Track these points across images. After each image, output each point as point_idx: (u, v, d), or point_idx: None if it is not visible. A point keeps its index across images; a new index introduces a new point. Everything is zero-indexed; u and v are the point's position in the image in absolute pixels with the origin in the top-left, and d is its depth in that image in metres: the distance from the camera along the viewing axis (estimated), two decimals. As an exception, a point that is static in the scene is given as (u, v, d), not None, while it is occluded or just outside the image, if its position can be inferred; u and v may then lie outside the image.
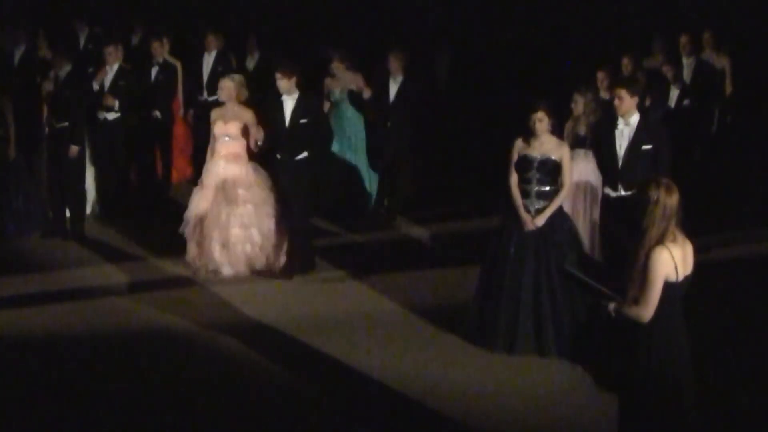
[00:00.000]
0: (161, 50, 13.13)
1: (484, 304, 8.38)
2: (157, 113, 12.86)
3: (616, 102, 8.56)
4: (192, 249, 10.07)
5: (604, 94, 10.88)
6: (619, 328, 5.70)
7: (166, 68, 13.11)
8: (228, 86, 10.19)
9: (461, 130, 14.94)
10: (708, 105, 12.67)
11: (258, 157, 10.23)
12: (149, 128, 12.92)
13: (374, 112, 12.31)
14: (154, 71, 13.01)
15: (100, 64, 12.48)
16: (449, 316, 8.92)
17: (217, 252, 9.97)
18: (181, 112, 13.72)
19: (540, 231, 8.23)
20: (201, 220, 10.07)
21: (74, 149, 11.19)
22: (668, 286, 5.48)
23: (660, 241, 5.47)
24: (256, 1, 18.12)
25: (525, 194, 8.33)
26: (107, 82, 12.17)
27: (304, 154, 9.95)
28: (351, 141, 12.44)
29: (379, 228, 11.81)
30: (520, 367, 8.00)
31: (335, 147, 12.06)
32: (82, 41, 15.52)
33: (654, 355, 5.56)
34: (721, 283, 9.59)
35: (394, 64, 11.95)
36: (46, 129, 11.40)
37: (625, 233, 7.90)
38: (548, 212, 8.25)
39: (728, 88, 13.53)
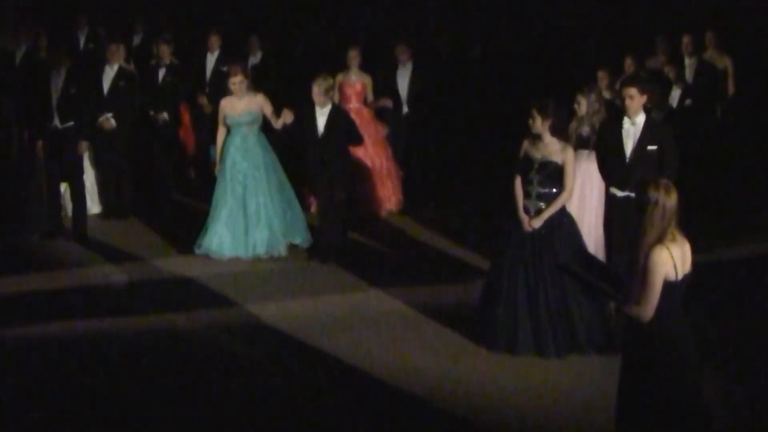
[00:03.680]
0: (168, 52, 13.13)
1: (487, 303, 8.39)
2: (165, 115, 12.88)
3: (628, 101, 8.52)
4: None
5: (605, 94, 10.88)
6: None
7: (173, 70, 13.10)
8: None
9: (462, 130, 14.91)
10: (710, 105, 12.68)
11: None
12: (153, 128, 12.95)
13: (300, 145, 10.64)
14: (161, 73, 13.00)
15: (102, 62, 12.47)
16: (451, 316, 8.92)
17: None
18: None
19: (539, 232, 8.22)
20: None
21: (83, 144, 11.22)
22: (668, 285, 5.48)
23: (659, 241, 5.48)
24: (257, 1, 18.13)
25: (527, 195, 8.32)
26: (107, 83, 12.15)
27: None
28: (257, 176, 10.57)
29: (379, 228, 11.80)
30: (520, 367, 7.99)
31: (229, 186, 10.48)
32: (82, 41, 15.54)
33: (654, 354, 5.56)
34: (721, 283, 9.59)
35: (320, 94, 10.35)
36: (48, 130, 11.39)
37: (631, 233, 7.92)
38: (546, 215, 8.22)
39: (730, 89, 13.54)
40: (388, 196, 12.45)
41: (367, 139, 11.78)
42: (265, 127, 10.75)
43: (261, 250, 10.53)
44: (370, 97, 12.58)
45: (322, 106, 10.39)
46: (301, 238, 10.75)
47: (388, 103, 12.85)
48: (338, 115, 10.52)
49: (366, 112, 12.40)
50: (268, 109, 10.57)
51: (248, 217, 10.48)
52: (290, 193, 10.80)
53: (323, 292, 9.77)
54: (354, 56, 12.47)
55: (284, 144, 11.07)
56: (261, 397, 7.52)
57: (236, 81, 10.51)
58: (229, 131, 10.62)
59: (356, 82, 12.44)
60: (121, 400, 7.46)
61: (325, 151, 10.37)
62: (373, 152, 12.26)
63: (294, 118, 10.49)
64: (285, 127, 10.53)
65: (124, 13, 17.01)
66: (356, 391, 7.65)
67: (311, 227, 10.82)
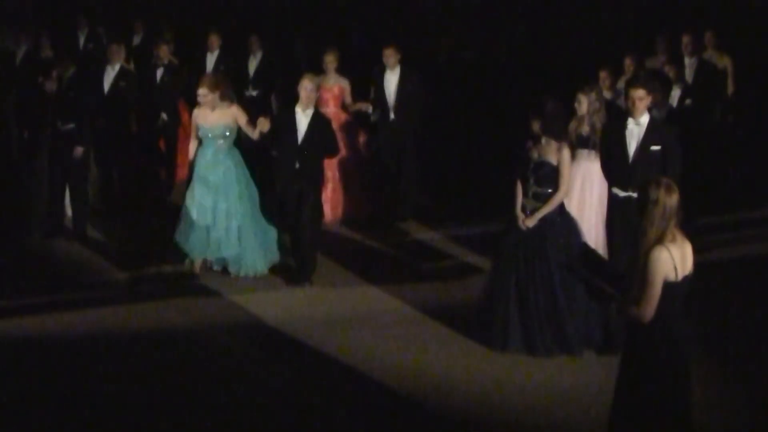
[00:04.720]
0: (168, 52, 13.11)
1: (485, 303, 8.44)
2: (164, 115, 12.87)
3: (636, 103, 8.50)
4: None
5: (606, 94, 10.88)
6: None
7: (172, 70, 13.09)
8: None
9: (461, 130, 14.90)
10: (710, 105, 12.66)
11: None
12: (153, 128, 12.95)
13: (278, 150, 10.07)
14: (159, 72, 12.98)
15: (102, 62, 12.47)
16: (451, 315, 8.93)
17: None
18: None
19: (534, 231, 8.27)
20: None
21: (79, 150, 11.20)
22: (667, 286, 5.47)
23: (659, 241, 5.46)
24: (257, 1, 18.14)
25: (525, 194, 8.39)
26: (108, 83, 12.15)
27: None
28: (228, 191, 9.99)
29: (377, 231, 11.78)
30: (519, 366, 8.00)
31: (196, 203, 9.97)
32: (81, 40, 15.54)
33: (654, 355, 5.55)
34: (721, 283, 9.59)
35: (312, 90, 9.88)
36: (49, 130, 11.38)
37: (632, 234, 7.92)
38: (539, 214, 8.27)
39: (730, 88, 13.54)
40: (355, 203, 12.11)
41: (343, 144, 11.49)
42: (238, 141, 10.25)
43: (232, 269, 10.07)
44: (348, 100, 12.21)
45: (306, 107, 9.85)
46: (272, 254, 10.21)
47: (366, 107, 12.57)
48: (320, 121, 9.96)
49: (344, 117, 12.14)
50: (243, 120, 9.97)
51: (217, 233, 9.95)
52: (257, 208, 10.13)
53: (323, 292, 9.77)
54: (331, 60, 12.06)
55: (257, 156, 10.64)
56: (261, 397, 7.53)
57: (200, 93, 9.88)
58: (201, 143, 10.03)
59: (333, 86, 12.06)
60: (120, 401, 7.46)
61: (302, 158, 9.79)
62: (346, 158, 11.91)
63: (272, 124, 9.93)
64: (262, 135, 9.90)
65: (124, 13, 17.02)
66: (356, 391, 7.65)
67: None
